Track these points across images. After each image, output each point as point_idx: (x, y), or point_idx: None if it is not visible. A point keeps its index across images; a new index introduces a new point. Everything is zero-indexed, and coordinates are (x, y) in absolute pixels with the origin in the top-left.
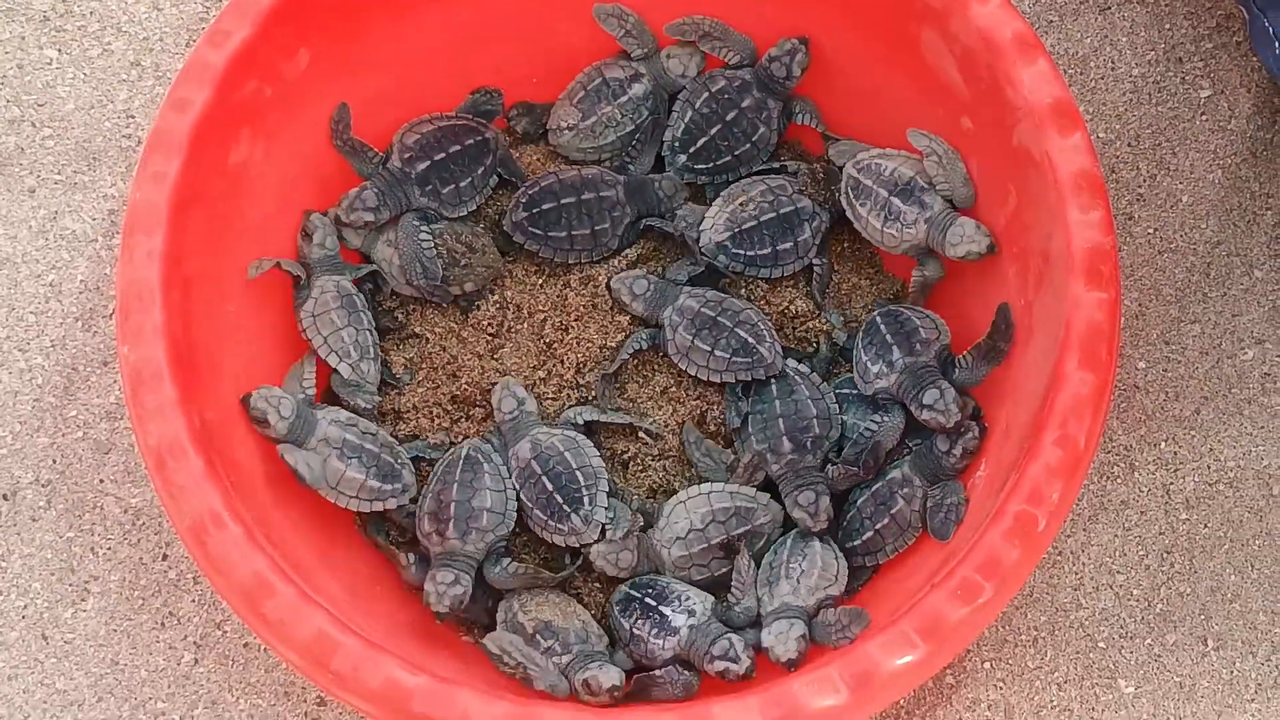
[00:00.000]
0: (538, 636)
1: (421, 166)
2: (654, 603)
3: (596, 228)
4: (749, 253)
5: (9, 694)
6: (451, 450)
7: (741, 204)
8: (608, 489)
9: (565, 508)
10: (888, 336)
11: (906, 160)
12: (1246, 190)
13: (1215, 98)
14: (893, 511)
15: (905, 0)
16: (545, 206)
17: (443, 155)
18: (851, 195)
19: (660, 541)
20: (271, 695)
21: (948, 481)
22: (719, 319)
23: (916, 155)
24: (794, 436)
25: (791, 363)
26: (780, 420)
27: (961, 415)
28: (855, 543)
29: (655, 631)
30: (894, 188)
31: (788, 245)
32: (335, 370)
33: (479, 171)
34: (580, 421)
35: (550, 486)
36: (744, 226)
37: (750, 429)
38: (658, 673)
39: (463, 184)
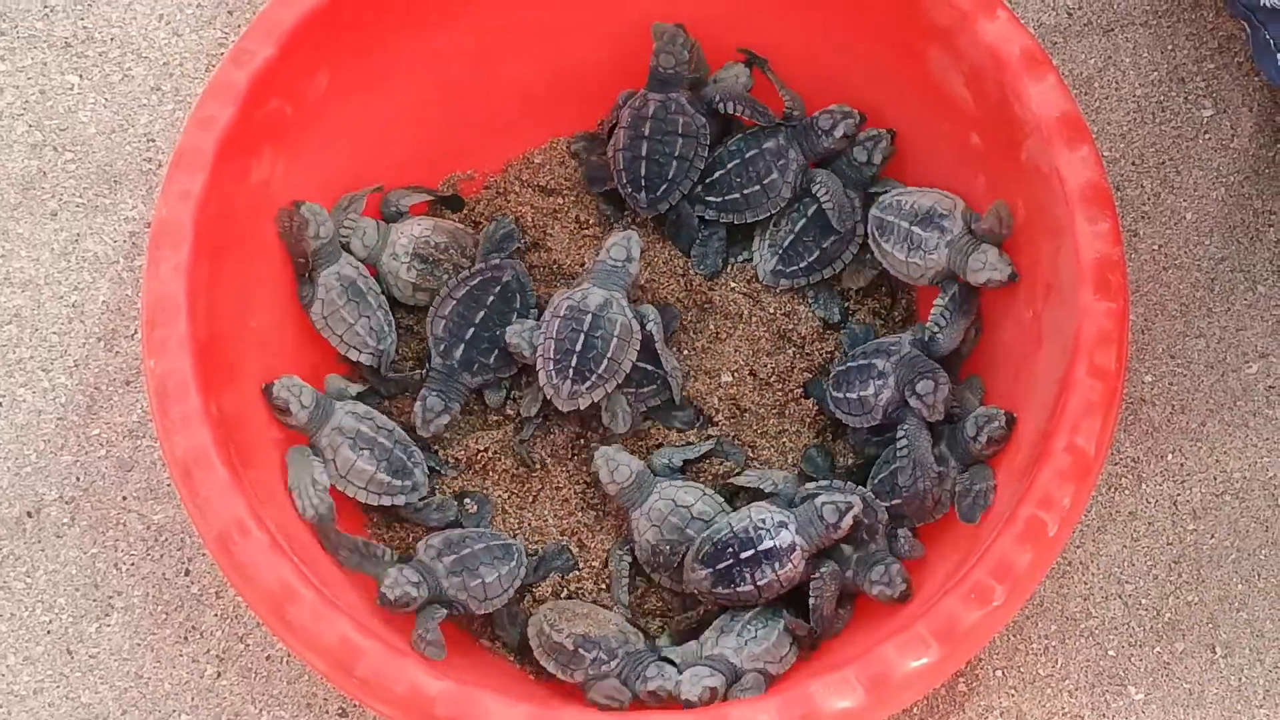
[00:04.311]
0: (580, 651)
1: (458, 353)
2: (749, 549)
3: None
4: (801, 264)
5: (35, 708)
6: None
7: (775, 228)
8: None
9: (575, 371)
10: (861, 360)
11: (926, 193)
12: (1249, 207)
13: (1218, 117)
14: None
15: (912, 18)
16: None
17: (471, 330)
18: (877, 235)
19: (660, 490)
20: (294, 707)
21: (979, 466)
22: None
23: (936, 190)
24: (848, 538)
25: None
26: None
27: (946, 409)
28: (893, 503)
29: (777, 565)
30: (914, 218)
31: (832, 239)
32: (360, 363)
33: (514, 316)
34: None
35: (579, 346)
36: (785, 245)
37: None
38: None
39: (500, 344)
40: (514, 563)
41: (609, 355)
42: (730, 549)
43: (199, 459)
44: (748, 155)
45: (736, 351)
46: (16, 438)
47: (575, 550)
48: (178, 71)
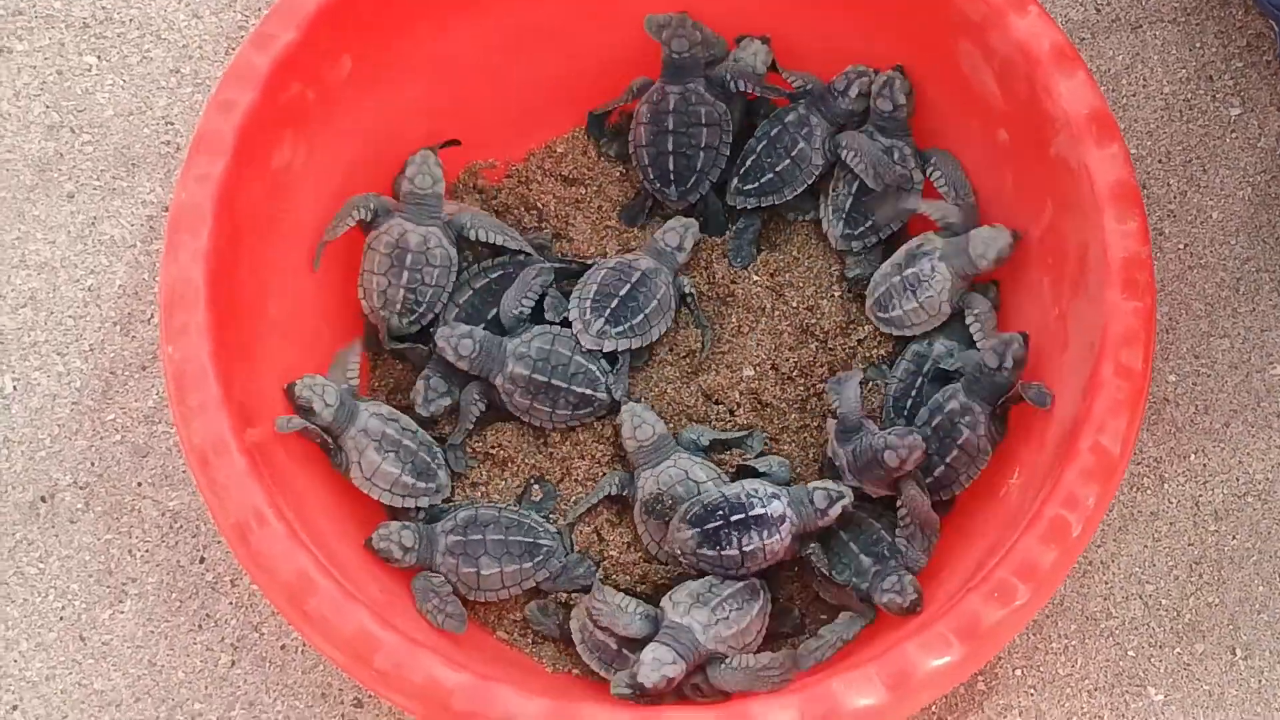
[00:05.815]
0: (624, 651)
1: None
2: (739, 514)
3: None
4: (865, 225)
5: (47, 694)
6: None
7: (834, 192)
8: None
9: (613, 313)
10: (938, 405)
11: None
12: (1276, 207)
13: (1245, 116)
14: (959, 442)
15: (942, 12)
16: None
17: (483, 326)
18: (879, 314)
19: (676, 459)
20: (309, 696)
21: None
22: (551, 381)
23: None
24: (870, 551)
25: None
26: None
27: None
28: (928, 480)
29: (765, 533)
30: (901, 266)
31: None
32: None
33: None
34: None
35: (624, 293)
36: (847, 209)
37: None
38: None
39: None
40: (531, 563)
41: (646, 313)
42: (720, 511)
43: (217, 447)
44: (772, 134)
45: (759, 345)
46: (31, 422)
47: (595, 539)
48: (197, 54)
